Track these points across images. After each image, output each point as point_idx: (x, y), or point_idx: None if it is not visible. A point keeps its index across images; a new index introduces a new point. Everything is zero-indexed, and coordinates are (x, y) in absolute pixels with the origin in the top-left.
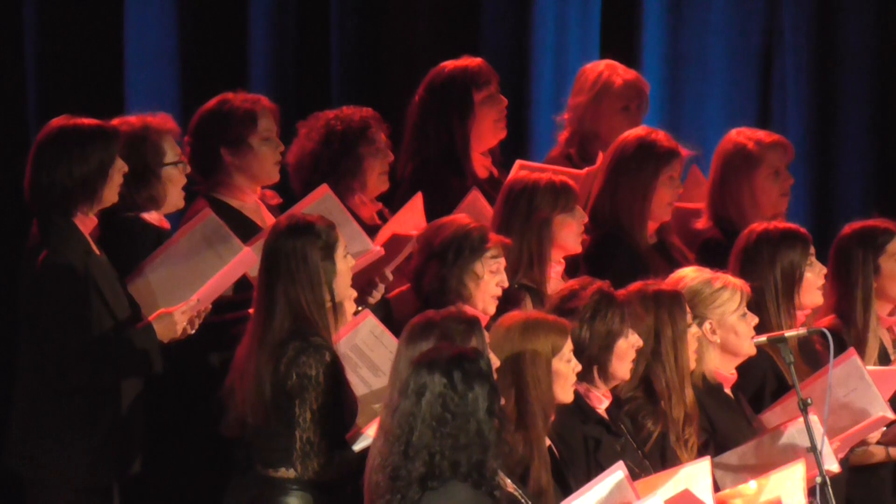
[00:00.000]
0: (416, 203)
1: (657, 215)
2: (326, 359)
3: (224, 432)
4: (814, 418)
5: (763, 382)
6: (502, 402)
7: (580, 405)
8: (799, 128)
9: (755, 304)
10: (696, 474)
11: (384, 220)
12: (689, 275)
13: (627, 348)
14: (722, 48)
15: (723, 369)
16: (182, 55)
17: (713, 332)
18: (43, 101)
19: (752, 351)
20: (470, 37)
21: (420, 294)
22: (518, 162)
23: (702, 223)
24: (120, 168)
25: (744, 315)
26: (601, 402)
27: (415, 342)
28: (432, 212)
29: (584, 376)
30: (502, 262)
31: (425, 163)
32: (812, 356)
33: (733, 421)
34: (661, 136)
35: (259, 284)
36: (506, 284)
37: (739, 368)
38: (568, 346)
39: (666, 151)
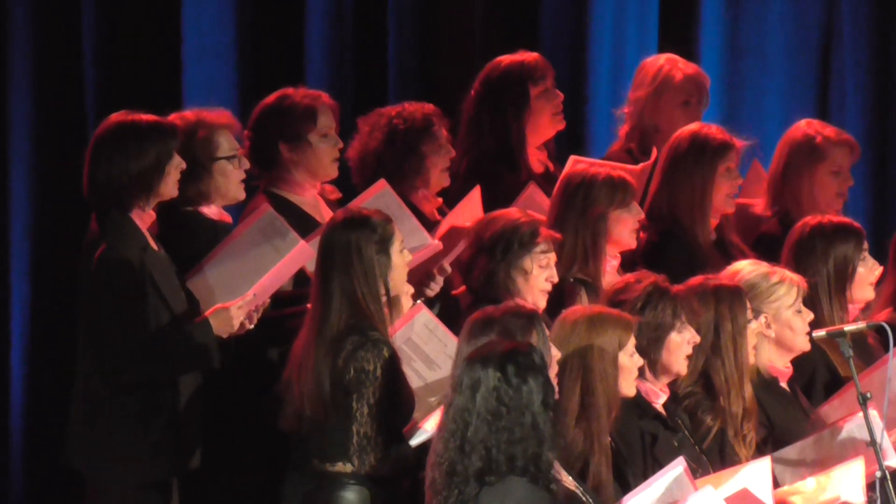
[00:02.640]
0: (475, 196)
1: (719, 208)
2: (384, 354)
3: (282, 426)
4: (873, 412)
5: (814, 375)
6: (558, 395)
7: (637, 400)
8: (857, 121)
9: (807, 299)
10: (755, 473)
11: (444, 215)
12: (746, 268)
13: (680, 343)
14: (781, 41)
15: (778, 363)
16: (239, 50)
17: (769, 326)
18: (101, 97)
19: (807, 346)
20: (527, 31)
21: (470, 288)
22: (572, 157)
23: (760, 208)
24: (177, 164)
25: (799, 311)
26: (658, 396)
27: (475, 338)
28: (487, 207)
29: (638, 371)
30: (552, 256)
31: (481, 157)
32: (864, 350)
33: (791, 416)
34: (714, 130)
35: (316, 278)
36: (555, 279)
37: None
38: (632, 340)
39: (720, 144)
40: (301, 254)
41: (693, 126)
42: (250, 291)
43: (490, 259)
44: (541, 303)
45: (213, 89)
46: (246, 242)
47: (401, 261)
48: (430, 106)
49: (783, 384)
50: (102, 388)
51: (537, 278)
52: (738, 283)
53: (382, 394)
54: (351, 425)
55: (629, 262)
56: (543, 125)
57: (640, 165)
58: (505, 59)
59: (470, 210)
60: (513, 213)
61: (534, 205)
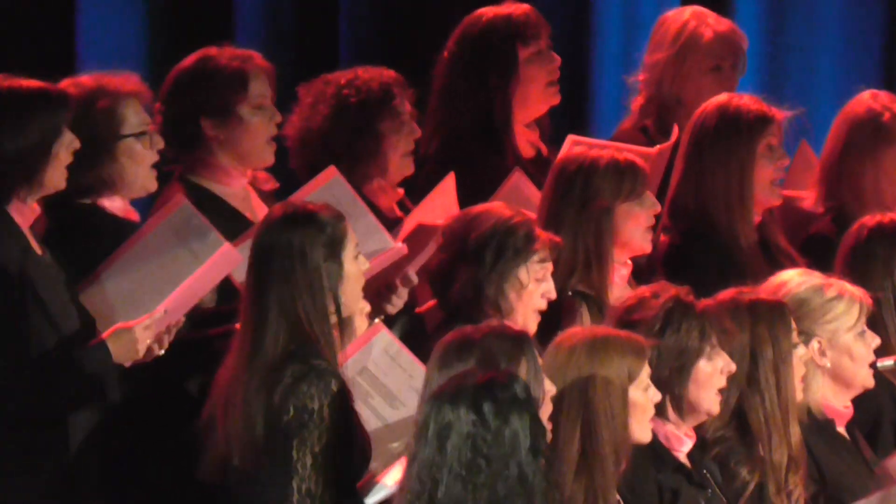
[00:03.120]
0: (448, 185)
1: (761, 199)
2: (332, 388)
3: (201, 477)
4: None
5: (880, 417)
6: (553, 440)
7: (654, 447)
8: None
9: (870, 318)
10: None
11: (406, 210)
12: (794, 280)
13: (711, 373)
14: None
15: (834, 401)
16: (151, 1)
17: (822, 353)
18: None
19: (869, 382)
20: None
21: (445, 303)
22: (570, 137)
23: (810, 202)
24: (68, 143)
25: (862, 333)
26: (681, 443)
27: (449, 366)
28: (464, 199)
29: (656, 410)
30: (550, 266)
31: (455, 136)
32: None
33: (849, 467)
34: (748, 100)
35: (247, 291)
36: (552, 296)
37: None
38: (646, 371)
39: (757, 117)
40: (225, 259)
41: (721, 97)
42: (160, 307)
43: (476, 268)
44: (532, 325)
45: (116, 49)
46: (155, 244)
47: (355, 269)
48: (389, 73)
49: (840, 428)
50: None
51: (533, 294)
52: (781, 299)
53: (330, 439)
54: (291, 479)
55: (644, 271)
56: (534, 97)
57: (657, 147)
58: (487, 11)
59: (442, 204)
60: (501, 209)
61: (520, 197)
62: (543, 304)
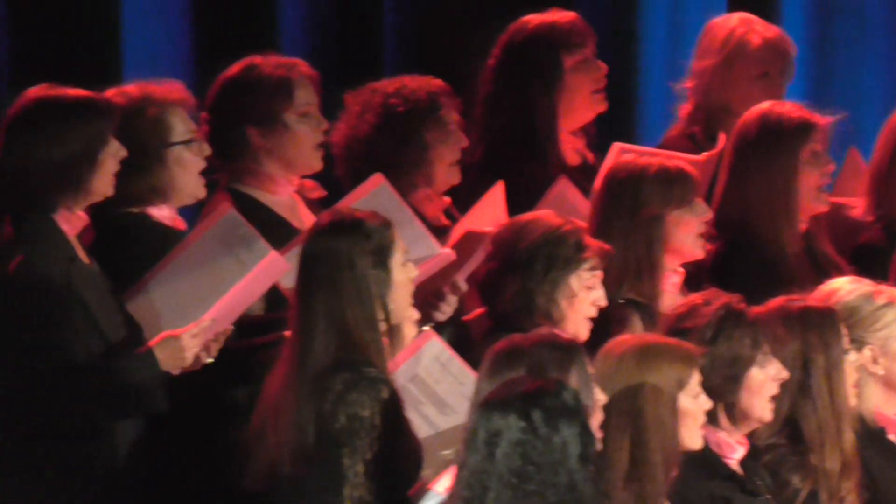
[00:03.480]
0: (496, 193)
1: (807, 207)
2: (383, 395)
3: (249, 486)
4: None
5: None
6: (603, 447)
7: (706, 455)
8: None
9: None
10: None
11: (452, 218)
12: (844, 287)
13: (764, 380)
14: None
15: (886, 409)
16: (195, 8)
17: (874, 361)
18: (18, 68)
19: None
20: None
21: (494, 313)
22: (616, 145)
23: (859, 211)
24: (114, 152)
25: None
26: (733, 450)
27: (499, 374)
28: (508, 207)
29: (707, 417)
30: (600, 274)
31: (499, 144)
32: None
33: None
34: (789, 107)
35: (295, 299)
36: (603, 303)
37: None
38: (696, 378)
39: (799, 123)
40: (272, 267)
41: (762, 106)
42: (207, 315)
43: (527, 278)
44: (583, 333)
45: (161, 58)
46: (201, 253)
47: (404, 276)
48: (436, 82)
49: (892, 436)
50: (13, 434)
51: (583, 302)
52: (830, 306)
53: (381, 446)
54: (342, 487)
55: (693, 278)
56: (579, 105)
57: (705, 155)
58: (533, 19)
59: (490, 212)
60: (550, 217)
61: (565, 204)
62: (594, 312)
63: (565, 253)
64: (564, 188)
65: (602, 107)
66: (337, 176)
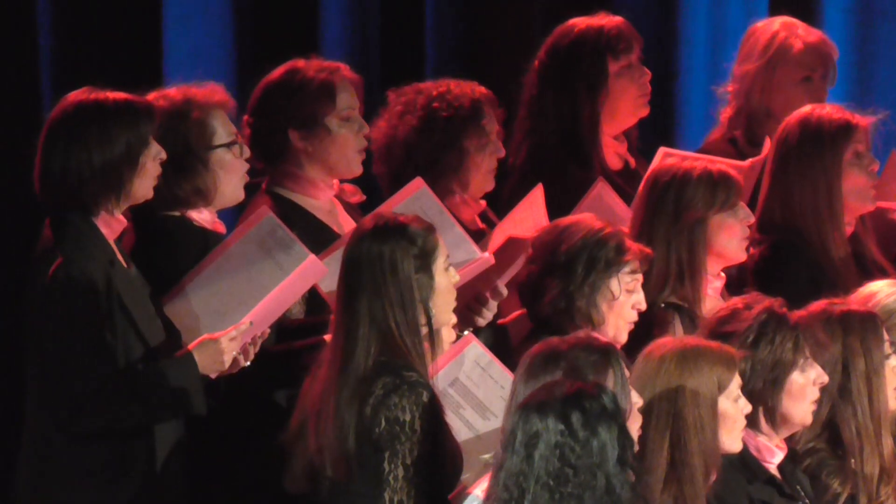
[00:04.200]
0: (536, 197)
1: (854, 207)
2: (423, 399)
3: (289, 487)
4: None
5: None
6: (641, 450)
7: (745, 459)
8: None
9: None
10: None
11: (488, 222)
12: (883, 290)
13: (805, 385)
14: None
15: None
16: (236, 11)
17: None
18: (59, 71)
19: None
20: None
21: (535, 315)
22: (662, 150)
23: None
24: (155, 154)
25: None
26: (773, 454)
27: (536, 377)
28: (549, 210)
29: (747, 420)
30: (640, 278)
31: (542, 147)
32: None
33: None
34: (830, 110)
35: (338, 302)
36: (643, 307)
37: None
38: (736, 381)
39: (840, 126)
40: (311, 271)
41: (803, 110)
42: (246, 318)
43: (567, 281)
44: (623, 336)
45: (202, 61)
46: (240, 257)
47: (446, 282)
48: (481, 89)
49: None
50: (56, 435)
51: (624, 305)
52: (872, 310)
53: (422, 451)
54: (382, 491)
55: (735, 283)
56: (623, 110)
57: (749, 161)
58: (580, 22)
59: (531, 215)
60: (590, 220)
61: (603, 207)
62: (634, 316)
63: (606, 256)
64: (602, 191)
65: (645, 112)
66: (374, 174)
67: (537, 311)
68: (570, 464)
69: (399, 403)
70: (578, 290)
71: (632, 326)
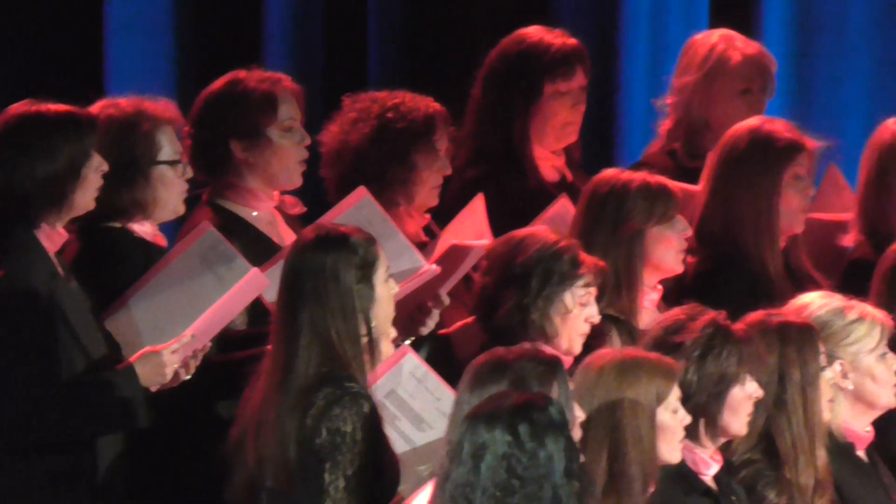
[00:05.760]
0: (477, 206)
1: (784, 226)
2: (365, 410)
3: (229, 499)
4: None
5: None
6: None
7: (682, 471)
8: None
9: None
10: None
11: (432, 235)
12: (815, 302)
13: (743, 399)
14: (864, 12)
15: (855, 424)
16: (178, 22)
17: (844, 376)
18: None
19: (893, 402)
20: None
21: (489, 327)
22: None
23: (849, 239)
24: (97, 166)
25: (883, 355)
26: (709, 466)
27: (481, 388)
28: (492, 220)
29: (688, 433)
30: (594, 291)
31: (480, 151)
32: None
33: (868, 491)
34: (780, 126)
35: (278, 313)
36: (596, 319)
37: (877, 423)
38: (675, 393)
39: (787, 144)
40: (252, 284)
41: (753, 121)
42: (187, 332)
43: (522, 293)
44: (576, 348)
45: (144, 73)
46: (181, 270)
47: (386, 292)
48: (436, 105)
49: (860, 452)
50: None
51: (577, 318)
52: (809, 322)
53: (362, 461)
54: (322, 501)
55: (671, 294)
56: (550, 133)
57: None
58: (533, 34)
59: (472, 224)
60: (546, 233)
61: (563, 223)
62: (587, 329)
63: (560, 269)
64: (564, 206)
65: (571, 139)
66: (320, 177)
67: (492, 322)
68: (518, 475)
69: (341, 414)
70: (533, 304)
71: (584, 338)
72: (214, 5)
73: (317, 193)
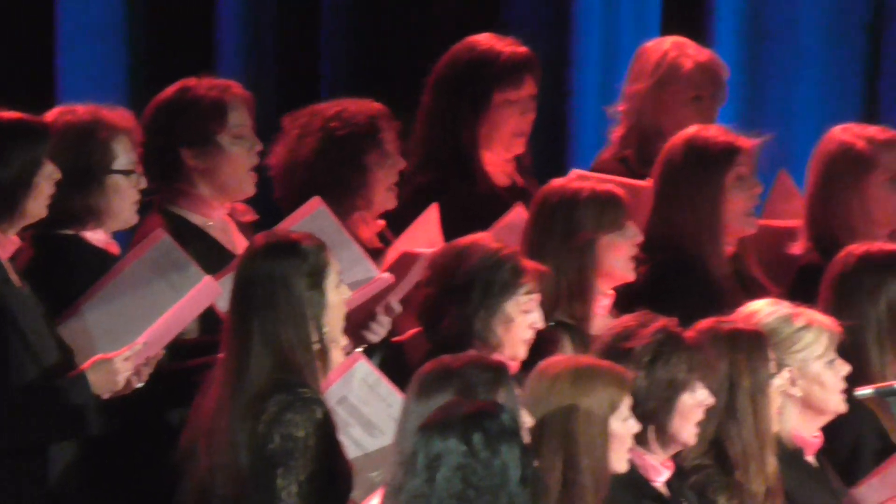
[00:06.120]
0: (431, 215)
1: (735, 230)
2: (318, 416)
3: None
4: None
5: (860, 445)
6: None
7: (633, 477)
8: None
9: (851, 348)
10: None
11: (386, 241)
12: (764, 309)
13: (693, 405)
14: (815, 20)
15: (804, 430)
16: (130, 30)
17: (793, 382)
18: None
19: (841, 407)
20: (494, 4)
21: (433, 337)
22: (574, 172)
23: (798, 247)
24: (49, 174)
25: (831, 362)
26: (659, 473)
27: (429, 395)
28: (444, 226)
29: (637, 439)
30: (537, 297)
31: (430, 157)
32: None
33: (818, 497)
34: (714, 131)
35: (230, 321)
36: (540, 325)
37: (827, 429)
38: (627, 401)
39: (724, 148)
40: (205, 292)
41: (689, 130)
42: (139, 339)
43: (464, 304)
44: (521, 354)
45: (96, 80)
46: (135, 278)
47: (337, 299)
48: (376, 105)
49: (810, 457)
50: None
51: (520, 326)
52: (759, 329)
53: (315, 467)
54: None
55: (623, 300)
56: (498, 141)
57: (650, 180)
58: (483, 41)
59: (425, 233)
60: (487, 242)
61: (520, 232)
62: (531, 335)
63: (502, 279)
64: (519, 215)
65: (519, 150)
66: (275, 199)
67: (436, 333)
68: (473, 485)
69: (293, 420)
70: (475, 314)
71: (529, 344)
72: (167, 11)
73: (269, 201)
